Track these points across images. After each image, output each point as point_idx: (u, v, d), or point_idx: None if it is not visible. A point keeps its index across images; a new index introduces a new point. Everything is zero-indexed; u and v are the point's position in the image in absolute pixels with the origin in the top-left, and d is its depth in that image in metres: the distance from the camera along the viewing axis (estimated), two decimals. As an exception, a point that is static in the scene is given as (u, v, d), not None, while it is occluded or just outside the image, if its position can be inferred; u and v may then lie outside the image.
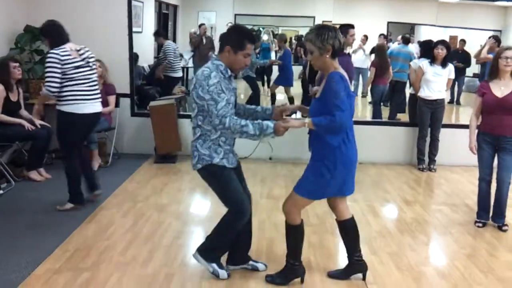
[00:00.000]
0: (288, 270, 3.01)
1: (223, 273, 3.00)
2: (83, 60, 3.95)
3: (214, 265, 2.98)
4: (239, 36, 2.69)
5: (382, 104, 7.36)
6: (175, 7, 8.63)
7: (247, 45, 2.68)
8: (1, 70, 4.65)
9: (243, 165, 5.57)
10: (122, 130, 5.92)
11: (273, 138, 2.72)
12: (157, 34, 7.29)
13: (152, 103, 5.78)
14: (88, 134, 4.36)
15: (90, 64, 4.02)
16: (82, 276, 3.03)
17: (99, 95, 4.12)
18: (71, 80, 3.87)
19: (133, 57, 5.97)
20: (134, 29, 5.93)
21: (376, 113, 7.15)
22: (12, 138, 4.79)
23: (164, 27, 8.44)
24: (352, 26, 5.17)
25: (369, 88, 8.30)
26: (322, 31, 2.64)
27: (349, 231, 3.03)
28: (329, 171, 2.73)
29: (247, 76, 7.51)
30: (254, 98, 7.49)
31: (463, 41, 8.34)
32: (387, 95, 7.33)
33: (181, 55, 7.76)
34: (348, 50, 5.31)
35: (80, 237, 3.59)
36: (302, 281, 3.03)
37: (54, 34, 3.92)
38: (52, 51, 3.83)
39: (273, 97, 7.83)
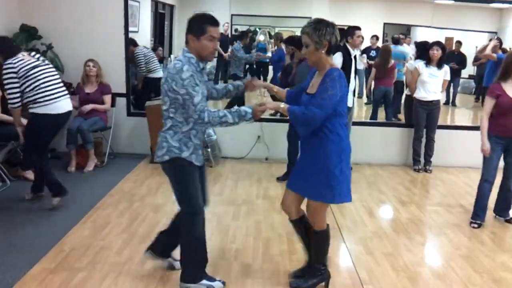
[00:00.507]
0: (314, 275, 2.96)
1: (217, 284, 2.93)
2: (38, 59, 4.00)
3: (204, 281, 2.89)
4: (197, 22, 2.65)
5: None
6: (171, 7, 8.62)
7: (207, 28, 2.61)
8: None
9: (240, 165, 5.67)
10: (118, 130, 5.91)
11: (252, 122, 2.72)
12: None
13: (148, 103, 5.76)
14: (57, 133, 4.27)
15: (46, 62, 4.08)
16: (78, 276, 3.02)
17: (66, 92, 4.13)
18: (36, 81, 3.89)
19: (129, 57, 5.95)
20: (130, 29, 5.90)
21: (375, 115, 7.15)
22: (7, 138, 4.76)
23: (161, 27, 8.43)
24: (358, 28, 5.20)
25: (366, 89, 8.32)
26: (320, 25, 2.60)
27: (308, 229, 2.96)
28: (335, 166, 2.65)
29: (234, 75, 7.43)
30: (238, 97, 7.38)
31: (458, 43, 8.38)
32: (393, 97, 7.30)
33: (153, 51, 7.46)
34: (356, 51, 5.30)
35: (76, 237, 3.58)
36: (326, 286, 2.99)
37: (5, 47, 3.97)
38: (5, 63, 3.86)
39: (274, 98, 7.70)
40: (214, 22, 2.66)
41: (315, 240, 2.91)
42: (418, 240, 3.88)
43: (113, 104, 5.65)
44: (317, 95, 2.59)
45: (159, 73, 6.94)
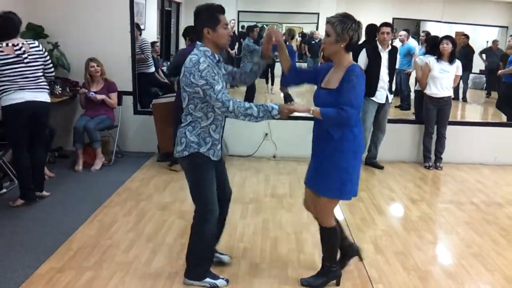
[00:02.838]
0: (325, 273, 2.96)
1: (221, 282, 2.93)
2: (17, 56, 3.90)
3: (208, 279, 2.91)
4: (208, 13, 2.65)
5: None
6: (177, 4, 8.61)
7: (219, 17, 2.63)
8: None
9: (247, 163, 5.64)
10: (125, 128, 5.90)
11: (277, 118, 2.64)
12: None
13: (154, 101, 5.74)
14: (35, 126, 4.12)
15: (26, 60, 3.93)
16: (85, 275, 3.01)
17: (42, 87, 4.06)
18: (4, 76, 3.87)
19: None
20: (137, 27, 5.89)
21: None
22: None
23: (167, 24, 8.41)
24: (384, 24, 5.34)
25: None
26: (346, 19, 2.57)
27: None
28: (347, 161, 2.65)
29: None
30: (250, 94, 7.25)
31: (465, 36, 8.22)
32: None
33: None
34: (385, 48, 5.38)
35: (83, 236, 3.57)
36: (338, 284, 2.99)
37: None
38: None
39: (289, 97, 7.36)
40: (223, 10, 2.68)
41: (323, 237, 2.90)
42: (428, 238, 3.82)
43: (119, 103, 5.63)
44: (345, 94, 2.52)
45: (152, 68, 6.77)
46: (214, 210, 2.81)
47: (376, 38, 5.36)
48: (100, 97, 5.29)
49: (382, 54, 5.32)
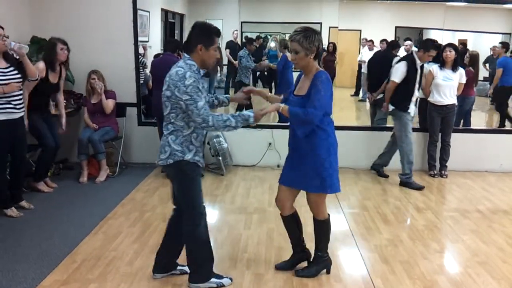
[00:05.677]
0: (317, 262, 3.19)
1: (226, 281, 3.05)
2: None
3: (213, 279, 3.00)
4: (207, 32, 2.75)
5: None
6: (181, 16, 8.66)
7: (215, 39, 2.75)
8: (48, 50, 4.69)
9: (251, 173, 5.64)
10: (129, 140, 5.92)
11: (254, 125, 2.86)
12: None
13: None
14: None
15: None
16: (90, 287, 3.00)
17: None
18: None
19: (140, 66, 5.95)
20: (140, 39, 5.93)
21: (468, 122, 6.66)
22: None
23: (171, 36, 8.46)
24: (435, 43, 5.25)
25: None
26: (309, 33, 2.81)
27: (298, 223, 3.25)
28: (325, 160, 2.88)
29: (240, 82, 7.38)
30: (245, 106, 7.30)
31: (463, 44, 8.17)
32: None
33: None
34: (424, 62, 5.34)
35: (88, 248, 3.57)
36: (328, 272, 3.22)
37: None
38: None
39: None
40: (219, 33, 2.82)
41: (318, 229, 3.14)
42: (434, 247, 3.79)
43: (123, 114, 5.65)
44: (311, 97, 2.79)
45: None
46: (204, 213, 2.91)
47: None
48: (101, 84, 5.28)
49: (418, 68, 5.20)
